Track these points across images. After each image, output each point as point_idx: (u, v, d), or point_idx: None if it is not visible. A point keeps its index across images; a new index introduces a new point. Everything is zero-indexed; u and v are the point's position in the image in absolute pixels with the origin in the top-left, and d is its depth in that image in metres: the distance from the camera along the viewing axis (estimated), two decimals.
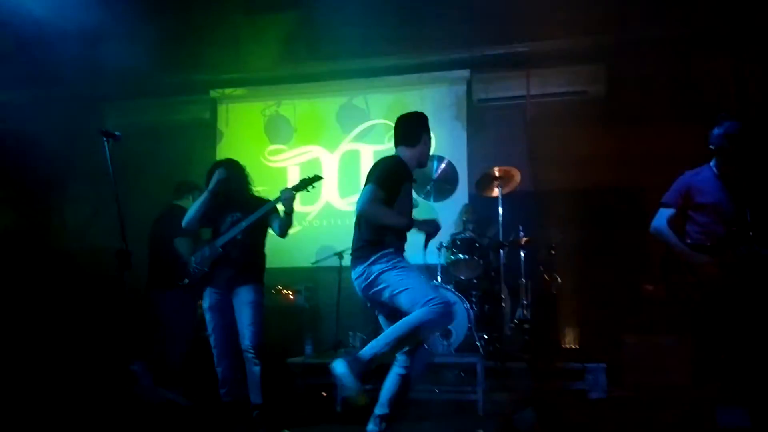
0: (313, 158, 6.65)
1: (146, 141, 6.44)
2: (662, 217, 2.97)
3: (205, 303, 3.69)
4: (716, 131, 2.89)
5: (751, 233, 2.79)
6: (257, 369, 3.56)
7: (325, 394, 4.31)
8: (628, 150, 5.81)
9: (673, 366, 4.46)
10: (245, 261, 3.67)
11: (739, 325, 2.77)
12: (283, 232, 3.73)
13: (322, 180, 3.80)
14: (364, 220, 2.97)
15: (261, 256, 3.82)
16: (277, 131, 6.78)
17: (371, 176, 3.01)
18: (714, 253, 2.78)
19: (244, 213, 3.66)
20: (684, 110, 5.28)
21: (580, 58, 5.99)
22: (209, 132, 6.89)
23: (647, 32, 5.71)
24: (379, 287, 2.84)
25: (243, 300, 3.61)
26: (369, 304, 3.07)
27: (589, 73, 6.01)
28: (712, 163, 2.96)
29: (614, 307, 5.06)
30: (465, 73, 6.36)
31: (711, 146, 2.92)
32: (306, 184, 3.70)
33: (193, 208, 3.74)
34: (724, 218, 2.83)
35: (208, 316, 3.66)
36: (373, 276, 2.84)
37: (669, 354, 4.52)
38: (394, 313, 2.87)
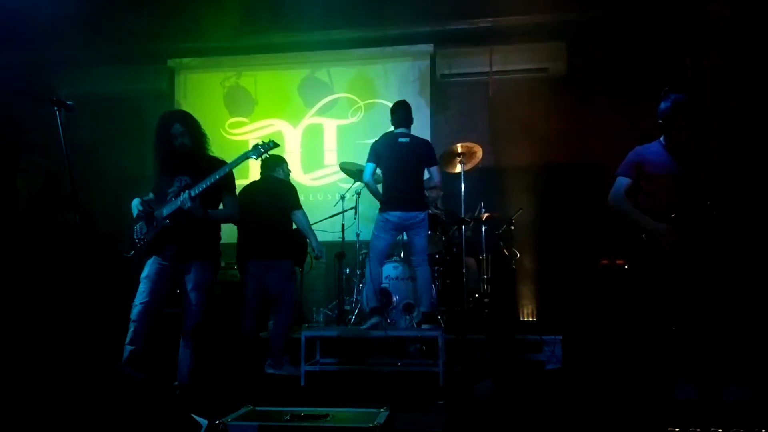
0: (276, 131, 6.54)
1: (100, 111, 6.19)
2: (619, 188, 3.01)
3: (145, 271, 3.33)
4: (663, 105, 2.94)
5: (707, 202, 2.86)
6: (189, 352, 3.36)
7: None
8: (587, 127, 5.97)
9: (628, 338, 4.68)
10: (195, 234, 3.31)
11: (695, 294, 2.84)
12: (232, 215, 3.48)
13: (279, 147, 3.54)
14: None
15: (214, 228, 3.48)
16: (238, 103, 6.64)
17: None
18: (671, 221, 2.84)
19: (195, 177, 3.27)
20: (642, 88, 5.41)
21: (542, 36, 6.05)
22: (166, 103, 6.66)
23: (606, 11, 5.81)
24: None
25: (192, 278, 3.33)
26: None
27: (550, 50, 6.08)
28: (661, 138, 3.02)
29: (571, 281, 5.23)
30: (428, 47, 6.34)
31: (660, 120, 2.98)
32: (262, 150, 3.41)
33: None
34: (676, 188, 2.90)
35: (143, 286, 3.30)
36: None
37: (623, 326, 4.76)
38: None
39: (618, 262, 4.66)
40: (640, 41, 5.92)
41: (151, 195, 3.48)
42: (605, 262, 5.02)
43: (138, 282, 3.36)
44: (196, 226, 3.31)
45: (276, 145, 3.45)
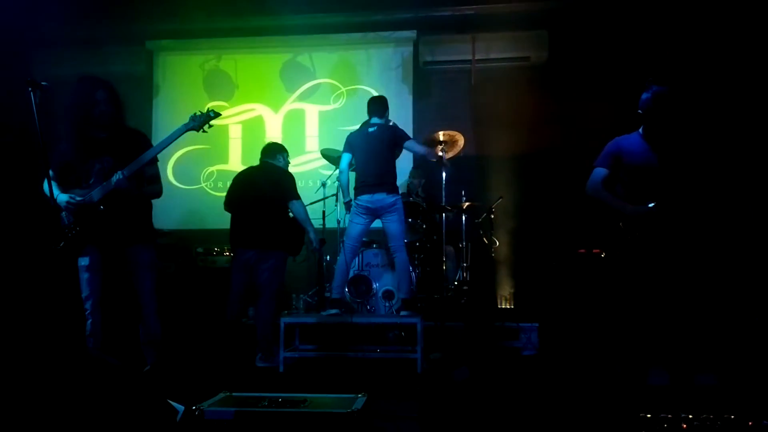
0: (256, 116, 6.47)
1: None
2: (597, 178, 3.05)
3: (84, 261, 3.14)
4: (644, 95, 2.97)
5: (681, 192, 2.91)
6: (153, 338, 3.28)
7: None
8: (567, 116, 6.00)
9: (603, 325, 4.78)
10: (130, 217, 3.14)
11: (670, 282, 2.89)
12: (160, 189, 3.27)
13: (220, 116, 3.30)
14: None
15: (146, 209, 3.29)
16: (218, 87, 6.54)
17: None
18: (649, 212, 2.88)
19: (117, 158, 3.04)
20: (622, 78, 5.46)
21: (524, 24, 6.07)
22: (144, 85, 6.55)
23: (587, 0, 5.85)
24: None
25: (138, 263, 3.18)
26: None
27: (532, 39, 6.11)
28: (640, 129, 3.05)
29: (549, 269, 5.30)
30: (411, 34, 6.31)
31: (639, 111, 3.01)
32: (202, 122, 3.15)
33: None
34: (654, 179, 2.93)
35: (86, 276, 3.13)
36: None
37: (599, 314, 4.86)
38: None
39: (595, 251, 4.74)
40: (621, 30, 5.96)
41: (51, 174, 3.07)
42: (582, 251, 5.10)
43: (76, 272, 3.19)
44: (129, 208, 3.13)
45: (218, 115, 3.23)
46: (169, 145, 3.13)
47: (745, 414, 2.30)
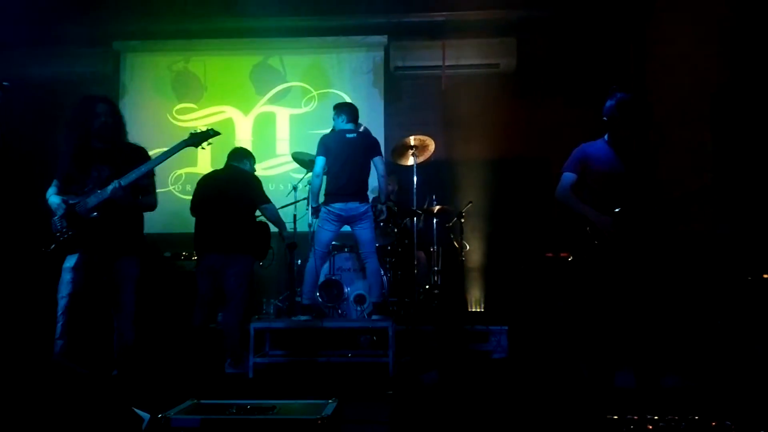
0: (226, 119, 6.40)
1: (40, 94, 5.88)
2: (565, 183, 3.09)
3: (69, 262, 3.16)
4: (609, 103, 3.02)
5: (646, 199, 2.98)
6: (127, 344, 3.27)
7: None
8: (535, 122, 6.13)
9: (571, 328, 4.87)
10: (121, 227, 3.19)
11: (635, 285, 2.95)
12: (155, 202, 3.32)
13: (219, 136, 3.39)
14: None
15: (138, 221, 3.34)
16: (186, 88, 6.44)
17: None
18: (614, 216, 2.95)
19: (114, 168, 3.10)
20: (588, 85, 5.60)
21: (493, 31, 6.16)
22: (111, 87, 6.38)
23: (555, 9, 5.97)
24: None
25: (120, 274, 3.21)
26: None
27: (501, 46, 6.21)
28: (605, 136, 3.12)
29: (518, 272, 5.37)
30: (383, 39, 6.34)
31: (604, 117, 3.06)
32: (200, 139, 3.24)
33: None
34: (619, 185, 2.99)
35: (68, 277, 3.13)
36: None
37: (566, 317, 4.95)
38: None
39: (562, 254, 4.82)
40: (587, 39, 6.12)
41: (55, 183, 3.24)
42: (550, 254, 5.19)
43: (60, 275, 3.18)
44: (122, 218, 3.18)
45: (217, 134, 3.33)
46: (165, 160, 3.19)
47: (708, 415, 2.37)
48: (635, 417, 2.31)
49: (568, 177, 3.09)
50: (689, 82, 5.04)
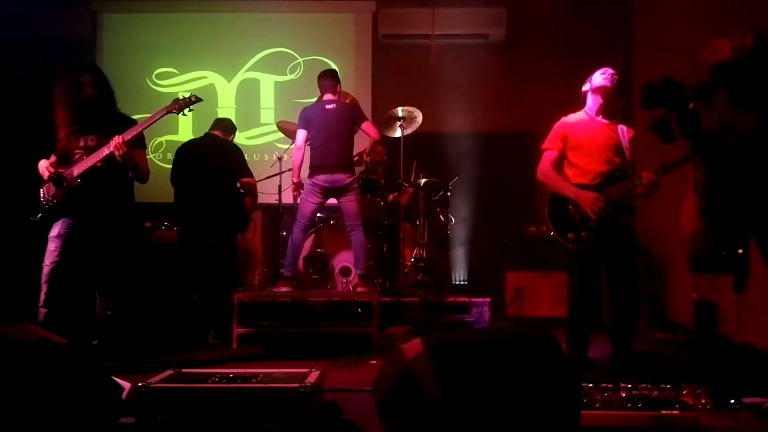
0: (208, 84, 6.22)
1: (12, 56, 5.66)
2: (546, 161, 3.12)
3: (54, 230, 3.18)
4: (597, 74, 3.04)
5: (630, 171, 2.99)
6: (109, 314, 3.28)
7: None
8: (524, 94, 6.07)
9: (550, 300, 4.95)
10: (108, 194, 3.21)
11: (615, 258, 3.01)
12: (147, 172, 3.30)
13: (202, 102, 3.35)
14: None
15: (127, 189, 3.34)
16: (167, 51, 6.23)
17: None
18: (596, 189, 2.97)
19: (103, 138, 3.12)
20: (576, 57, 5.54)
21: (483, 0, 6.03)
22: (88, 49, 6.17)
23: None
24: None
25: (110, 241, 3.23)
26: None
27: (490, 15, 6.11)
28: (587, 107, 3.12)
29: (501, 246, 5.40)
30: (371, 5, 6.18)
31: (589, 88, 3.08)
32: (184, 105, 3.23)
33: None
34: (601, 157, 3.01)
35: (53, 245, 3.15)
36: None
37: (546, 289, 5.02)
38: None
39: (543, 228, 4.84)
40: (577, 10, 6.03)
41: (52, 155, 3.27)
42: (532, 228, 5.22)
43: (46, 243, 3.19)
44: (109, 187, 3.21)
45: (200, 100, 3.31)
46: (148, 126, 3.19)
47: (680, 382, 2.42)
48: (610, 385, 2.36)
49: (549, 155, 3.13)
50: (678, 54, 5.00)
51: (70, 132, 3.18)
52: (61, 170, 3.17)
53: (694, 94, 1.51)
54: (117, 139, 3.05)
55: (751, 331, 3.77)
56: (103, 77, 3.25)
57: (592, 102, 3.10)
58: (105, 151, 3.09)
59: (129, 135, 3.09)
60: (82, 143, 3.18)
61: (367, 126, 4.39)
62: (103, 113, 3.21)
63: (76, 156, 3.17)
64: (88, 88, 3.15)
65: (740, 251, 3.48)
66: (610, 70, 3.05)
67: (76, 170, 3.13)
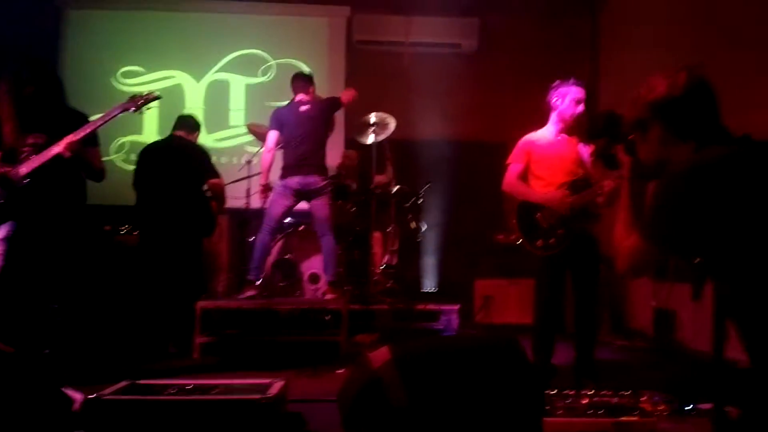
0: (175, 84, 6.08)
1: None
2: (512, 174, 3.20)
3: (1, 233, 3.02)
4: (559, 88, 3.12)
5: (591, 181, 3.05)
6: (61, 321, 3.15)
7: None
8: (495, 105, 6.11)
9: (517, 307, 4.99)
10: (58, 194, 3.08)
11: (578, 271, 3.08)
12: (103, 170, 3.20)
13: (161, 100, 3.23)
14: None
15: (80, 189, 3.21)
16: (134, 49, 6.05)
17: None
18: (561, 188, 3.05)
19: (52, 135, 2.98)
20: (546, 68, 5.59)
21: (456, 10, 6.08)
22: (52, 45, 5.96)
23: None
24: None
25: (61, 243, 3.09)
26: None
27: (463, 25, 6.15)
28: (552, 123, 3.20)
29: (470, 254, 5.41)
30: (345, 10, 6.15)
31: (553, 102, 3.15)
32: (141, 102, 3.11)
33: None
34: (563, 169, 3.10)
35: (1, 248, 3.00)
36: None
37: (513, 296, 5.08)
38: None
39: (512, 237, 4.86)
40: (547, 22, 6.11)
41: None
42: (500, 237, 5.24)
43: None
44: (59, 188, 3.07)
45: (158, 98, 3.19)
46: (103, 125, 3.06)
47: (640, 388, 2.46)
48: (573, 391, 2.39)
49: (514, 168, 3.20)
50: (642, 67, 5.11)
51: (15, 127, 3.03)
52: (7, 169, 3.01)
53: (632, 127, 1.63)
54: (67, 139, 2.92)
55: (708, 339, 3.83)
56: (52, 71, 3.14)
57: (557, 120, 3.17)
58: (54, 149, 2.95)
59: (81, 134, 2.95)
60: (30, 140, 3.04)
61: (342, 96, 4.41)
62: (49, 109, 3.08)
63: (24, 154, 3.02)
64: (33, 83, 3.04)
65: (697, 260, 3.53)
66: (582, 96, 3.10)
67: (23, 169, 2.98)
